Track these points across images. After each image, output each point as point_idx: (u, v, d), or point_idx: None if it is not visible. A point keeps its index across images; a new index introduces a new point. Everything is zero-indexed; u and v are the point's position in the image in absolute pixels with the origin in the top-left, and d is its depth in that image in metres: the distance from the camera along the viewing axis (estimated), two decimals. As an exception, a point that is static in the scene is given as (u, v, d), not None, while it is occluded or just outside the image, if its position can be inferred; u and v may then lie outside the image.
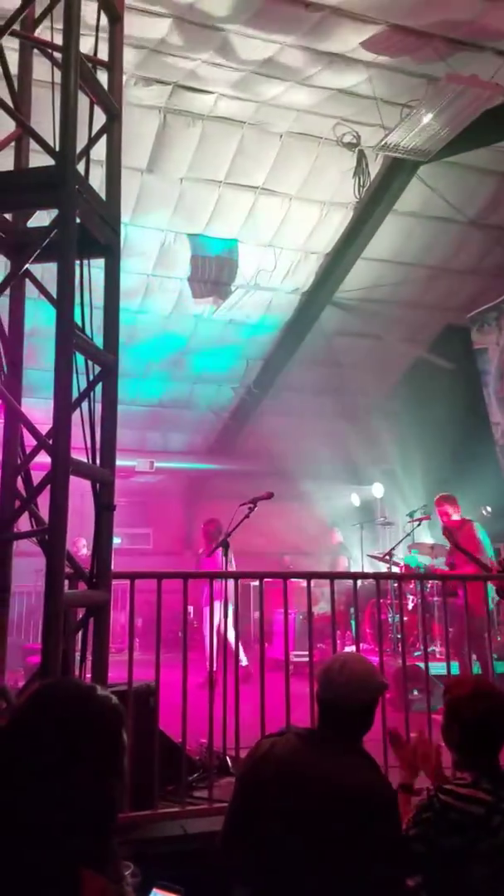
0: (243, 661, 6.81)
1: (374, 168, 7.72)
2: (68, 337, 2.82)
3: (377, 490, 11.14)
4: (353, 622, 5.02)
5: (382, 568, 8.46)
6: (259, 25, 5.98)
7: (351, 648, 6.77)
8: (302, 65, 6.47)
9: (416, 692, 5.17)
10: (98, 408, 3.20)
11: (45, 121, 3.09)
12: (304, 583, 4.66)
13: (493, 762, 2.43)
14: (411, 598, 7.91)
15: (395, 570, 8.01)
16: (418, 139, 6.68)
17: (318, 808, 2.01)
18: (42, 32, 3.51)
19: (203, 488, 12.23)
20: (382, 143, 6.78)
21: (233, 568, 6.17)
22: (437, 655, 6.53)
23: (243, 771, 2.32)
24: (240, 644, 6.99)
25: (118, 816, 1.54)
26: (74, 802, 1.42)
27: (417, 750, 2.69)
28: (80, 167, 3.09)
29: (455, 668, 5.08)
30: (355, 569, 9.64)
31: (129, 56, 6.00)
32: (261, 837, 2.10)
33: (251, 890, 2.10)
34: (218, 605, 6.81)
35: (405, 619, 6.86)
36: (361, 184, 7.68)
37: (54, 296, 2.85)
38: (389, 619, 7.61)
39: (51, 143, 2.98)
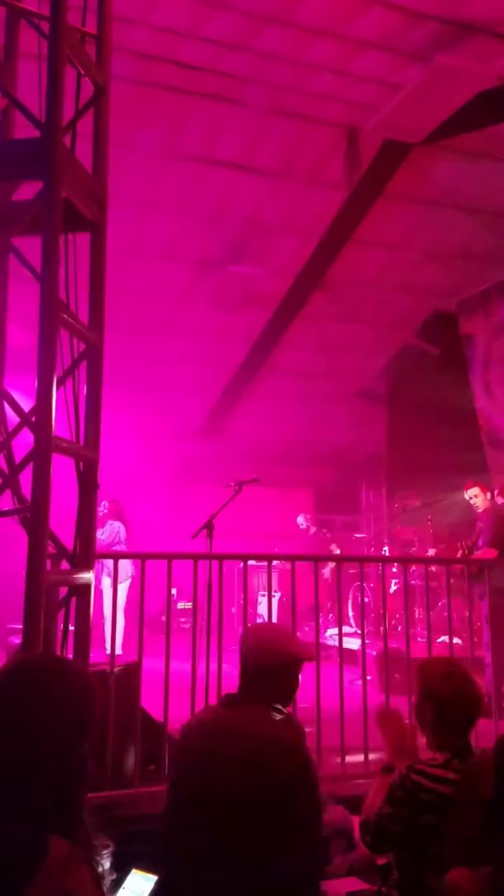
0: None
1: (366, 150, 7.64)
2: (53, 313, 2.77)
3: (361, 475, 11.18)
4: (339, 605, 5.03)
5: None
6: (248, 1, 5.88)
7: (334, 630, 6.81)
8: (292, 42, 6.37)
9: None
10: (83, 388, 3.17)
11: (31, 95, 3.04)
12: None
13: (465, 742, 2.46)
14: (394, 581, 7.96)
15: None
16: (410, 121, 6.63)
17: (229, 756, 2.09)
18: (28, 3, 3.44)
19: (188, 471, 12.18)
20: (374, 124, 6.72)
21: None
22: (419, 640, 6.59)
23: (176, 744, 2.46)
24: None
25: (89, 789, 1.54)
26: (39, 773, 1.42)
27: (406, 731, 2.71)
28: (67, 142, 3.04)
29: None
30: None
31: (116, 28, 5.89)
32: (184, 795, 2.18)
33: (174, 851, 2.14)
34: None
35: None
36: (352, 165, 7.62)
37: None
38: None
39: (37, 116, 2.92)
